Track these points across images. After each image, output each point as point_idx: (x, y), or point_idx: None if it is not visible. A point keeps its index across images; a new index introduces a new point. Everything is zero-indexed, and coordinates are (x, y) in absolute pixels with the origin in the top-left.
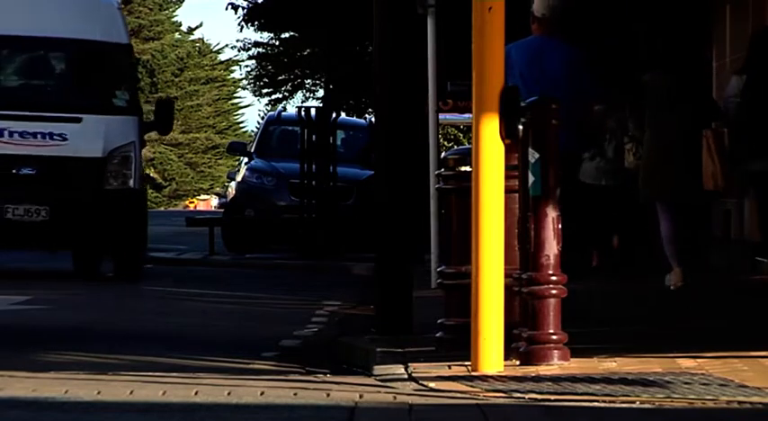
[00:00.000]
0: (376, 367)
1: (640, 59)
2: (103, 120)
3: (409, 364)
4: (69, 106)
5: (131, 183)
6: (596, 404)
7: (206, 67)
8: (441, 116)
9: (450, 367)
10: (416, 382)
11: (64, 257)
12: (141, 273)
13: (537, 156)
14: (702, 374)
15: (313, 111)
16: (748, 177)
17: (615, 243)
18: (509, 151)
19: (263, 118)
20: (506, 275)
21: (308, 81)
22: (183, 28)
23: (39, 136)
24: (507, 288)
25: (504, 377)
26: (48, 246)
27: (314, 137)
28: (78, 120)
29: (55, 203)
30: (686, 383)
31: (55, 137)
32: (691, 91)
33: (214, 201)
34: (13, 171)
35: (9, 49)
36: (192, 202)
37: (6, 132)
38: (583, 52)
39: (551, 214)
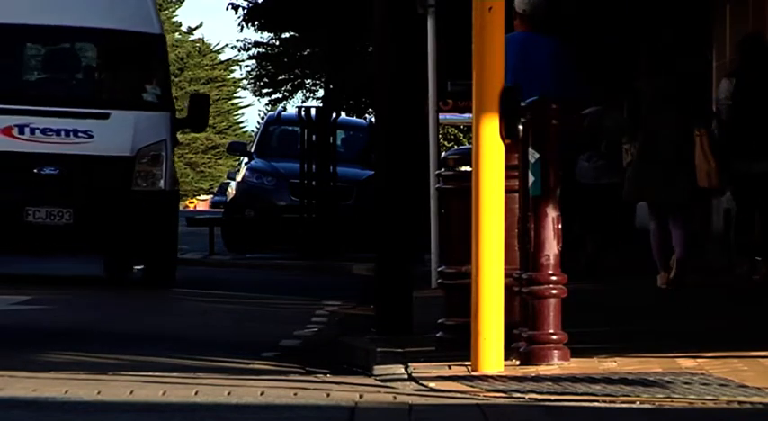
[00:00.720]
0: (376, 367)
1: (639, 58)
2: (132, 116)
3: (409, 364)
4: (96, 101)
5: (162, 184)
6: (596, 404)
7: (206, 67)
8: (441, 116)
9: (450, 367)
10: (416, 382)
11: (93, 262)
12: (173, 278)
13: (537, 156)
14: (702, 374)
15: (313, 112)
16: (741, 179)
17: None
18: (509, 151)
19: (263, 118)
20: (506, 275)
21: (308, 81)
22: (183, 28)
23: (62, 133)
24: (507, 288)
25: (504, 377)
26: (71, 251)
27: (314, 137)
28: (105, 117)
29: (79, 206)
30: (686, 383)
31: (80, 134)
32: (682, 93)
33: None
34: (35, 170)
35: (32, 39)
36: (192, 202)
37: (27, 129)
38: (567, 44)
39: (551, 214)
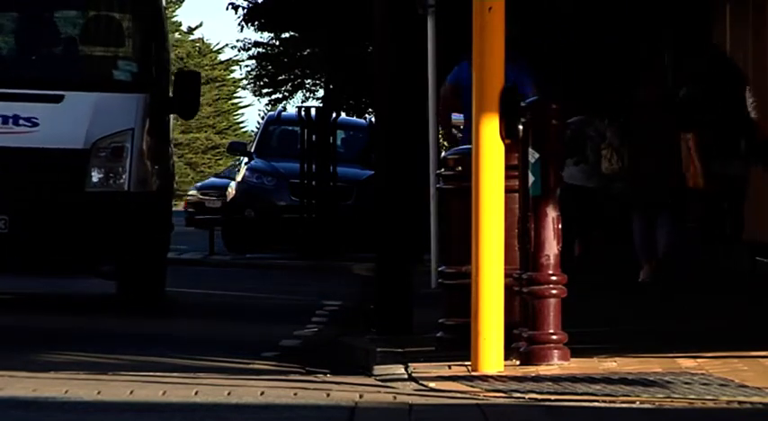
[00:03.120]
0: (376, 367)
1: (639, 68)
2: (92, 99)
3: (409, 364)
4: (48, 80)
5: (125, 184)
6: (596, 404)
7: (206, 67)
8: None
9: (450, 367)
10: (416, 382)
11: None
12: (154, 299)
13: (537, 156)
14: (702, 374)
15: (313, 112)
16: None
17: (577, 250)
18: (509, 151)
19: (263, 118)
20: (506, 275)
21: (308, 81)
22: (183, 28)
23: None
24: (507, 288)
25: (504, 377)
26: (4, 266)
27: (314, 137)
28: (58, 99)
29: (15, 211)
30: (686, 383)
31: (21, 121)
32: (671, 101)
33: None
34: None
35: None
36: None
37: None
38: (526, 66)
39: (551, 214)
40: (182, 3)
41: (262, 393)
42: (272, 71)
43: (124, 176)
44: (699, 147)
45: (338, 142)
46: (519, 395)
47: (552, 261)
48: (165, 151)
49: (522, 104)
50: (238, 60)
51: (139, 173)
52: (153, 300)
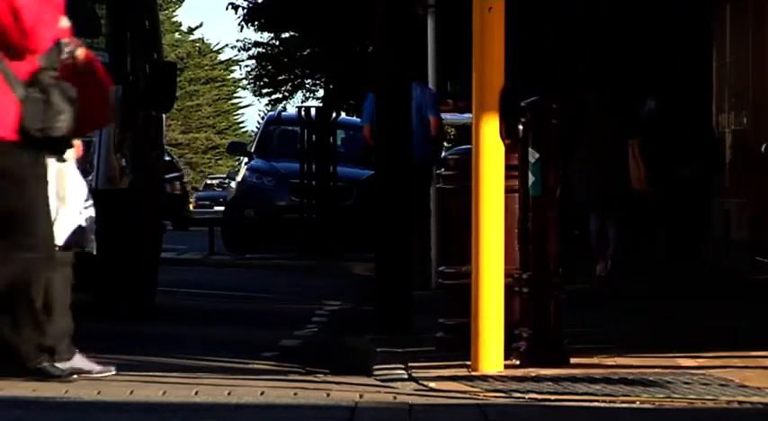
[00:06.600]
0: (376, 367)
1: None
2: None
3: (409, 364)
4: None
5: (93, 181)
6: (596, 404)
7: (206, 67)
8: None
9: (450, 367)
10: (416, 382)
11: None
12: (136, 308)
13: (537, 156)
14: (702, 374)
15: (313, 111)
16: (673, 184)
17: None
18: (509, 151)
19: (263, 118)
20: (506, 275)
21: (308, 81)
22: (183, 28)
23: None
24: (507, 288)
25: (504, 377)
26: None
27: (314, 137)
28: None
29: None
30: (686, 383)
31: None
32: (618, 106)
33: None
34: None
35: None
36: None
37: None
38: (430, 91)
39: (551, 214)
40: (182, 3)
41: (262, 393)
42: (272, 71)
43: (92, 173)
44: (644, 152)
45: (338, 142)
46: (519, 395)
47: (552, 261)
48: (145, 147)
49: (522, 104)
50: (238, 60)
51: (109, 169)
52: (134, 309)
